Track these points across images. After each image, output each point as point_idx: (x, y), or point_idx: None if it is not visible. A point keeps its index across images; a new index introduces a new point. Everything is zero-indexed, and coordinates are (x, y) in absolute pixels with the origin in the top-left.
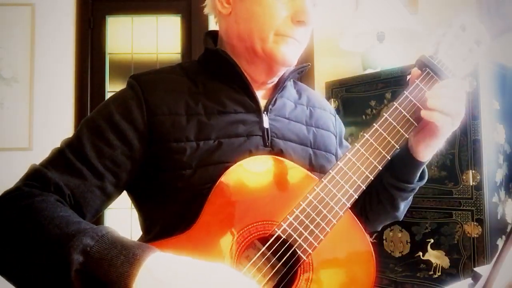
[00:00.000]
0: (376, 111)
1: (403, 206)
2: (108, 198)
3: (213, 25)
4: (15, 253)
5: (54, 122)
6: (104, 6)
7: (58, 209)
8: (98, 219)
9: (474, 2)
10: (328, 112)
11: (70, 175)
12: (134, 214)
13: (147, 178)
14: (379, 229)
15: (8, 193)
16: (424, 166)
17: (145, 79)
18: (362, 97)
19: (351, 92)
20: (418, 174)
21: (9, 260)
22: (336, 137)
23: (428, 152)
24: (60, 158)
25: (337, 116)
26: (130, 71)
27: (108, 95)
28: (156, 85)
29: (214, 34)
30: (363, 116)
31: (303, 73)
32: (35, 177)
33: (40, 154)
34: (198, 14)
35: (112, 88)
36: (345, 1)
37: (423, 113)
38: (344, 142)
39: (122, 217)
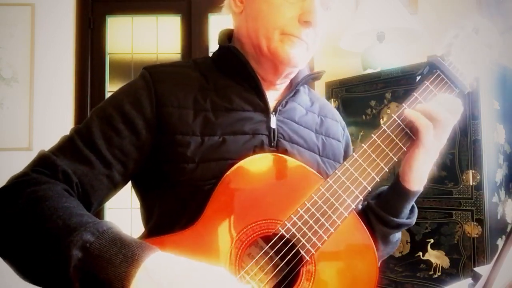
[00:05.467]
0: (376, 111)
1: (383, 248)
2: (115, 187)
3: (213, 25)
4: (18, 241)
5: (54, 122)
6: (104, 6)
7: (63, 199)
8: (98, 218)
9: (474, 2)
10: (339, 123)
11: (78, 162)
12: (134, 214)
13: (151, 169)
14: None
15: (16, 178)
16: (413, 204)
17: (158, 71)
18: (362, 97)
19: (351, 92)
20: (404, 208)
21: (12, 247)
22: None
23: (414, 176)
24: (69, 145)
25: (346, 130)
26: (130, 71)
27: (108, 95)
28: (167, 77)
29: (229, 32)
30: (363, 116)
31: (317, 79)
32: (44, 164)
33: None
34: (198, 14)
35: (112, 88)
36: (345, 1)
37: (406, 111)
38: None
39: (122, 217)
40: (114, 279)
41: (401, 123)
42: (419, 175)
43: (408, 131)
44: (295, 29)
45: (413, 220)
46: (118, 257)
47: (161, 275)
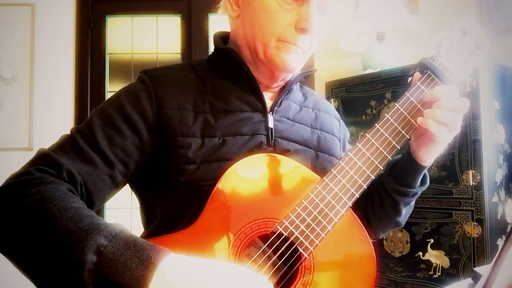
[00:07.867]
0: (376, 111)
1: (405, 211)
2: (116, 187)
3: (213, 26)
4: (26, 244)
5: (54, 122)
6: (104, 6)
7: (71, 199)
8: None
9: (474, 3)
10: (333, 116)
11: (81, 162)
12: (134, 214)
13: (151, 170)
14: (381, 236)
15: (17, 176)
16: (426, 171)
17: (156, 74)
18: (362, 97)
19: (351, 92)
20: (420, 179)
21: (20, 250)
22: (340, 141)
23: (429, 156)
24: (72, 145)
25: (341, 121)
26: (130, 71)
27: (108, 95)
28: (166, 80)
29: (224, 35)
30: (363, 116)
31: (309, 77)
32: (47, 162)
33: None
34: (198, 14)
35: (112, 88)
36: (345, 1)
37: (419, 120)
38: (348, 147)
39: (122, 217)
40: (130, 282)
41: (393, 122)
42: (433, 155)
43: (401, 130)
44: (291, 36)
45: (427, 184)
46: (134, 261)
47: (177, 277)
